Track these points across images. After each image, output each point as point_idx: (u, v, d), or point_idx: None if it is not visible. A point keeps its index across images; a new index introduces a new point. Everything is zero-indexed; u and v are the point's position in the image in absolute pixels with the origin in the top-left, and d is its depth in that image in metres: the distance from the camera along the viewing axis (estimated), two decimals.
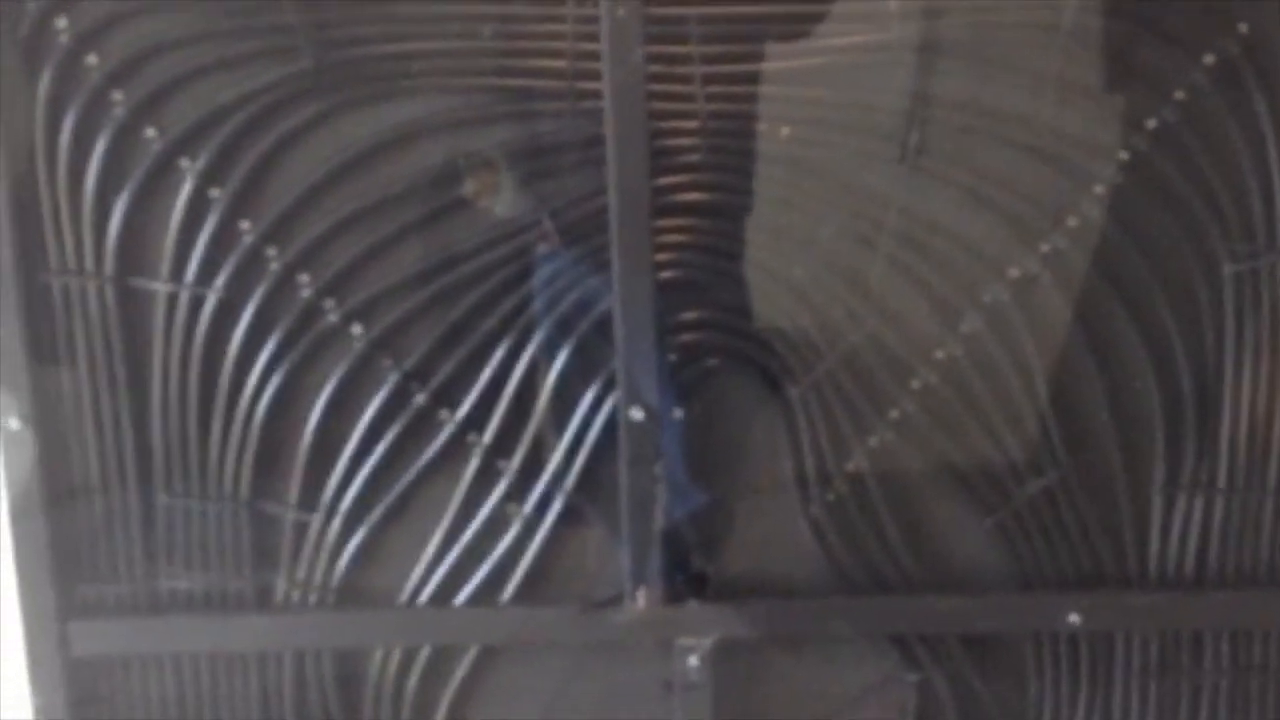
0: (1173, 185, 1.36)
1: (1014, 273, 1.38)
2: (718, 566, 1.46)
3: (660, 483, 1.42)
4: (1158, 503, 1.43)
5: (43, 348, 1.37)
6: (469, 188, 1.35)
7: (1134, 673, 1.46)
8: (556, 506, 1.44)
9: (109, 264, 1.36)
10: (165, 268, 1.36)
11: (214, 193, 1.34)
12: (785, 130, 1.34)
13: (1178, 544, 1.44)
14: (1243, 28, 1.31)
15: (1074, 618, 1.43)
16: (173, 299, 1.37)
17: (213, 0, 1.30)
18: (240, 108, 1.33)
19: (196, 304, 1.37)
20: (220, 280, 1.37)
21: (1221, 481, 1.42)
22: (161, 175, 1.35)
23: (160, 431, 1.40)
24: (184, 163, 1.34)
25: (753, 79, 1.33)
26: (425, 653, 1.46)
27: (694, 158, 1.35)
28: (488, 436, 1.42)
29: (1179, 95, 1.33)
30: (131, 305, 1.38)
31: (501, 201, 1.35)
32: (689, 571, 1.45)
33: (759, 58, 1.32)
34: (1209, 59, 1.32)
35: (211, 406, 1.40)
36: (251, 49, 1.32)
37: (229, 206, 1.35)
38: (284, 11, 1.29)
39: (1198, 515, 1.43)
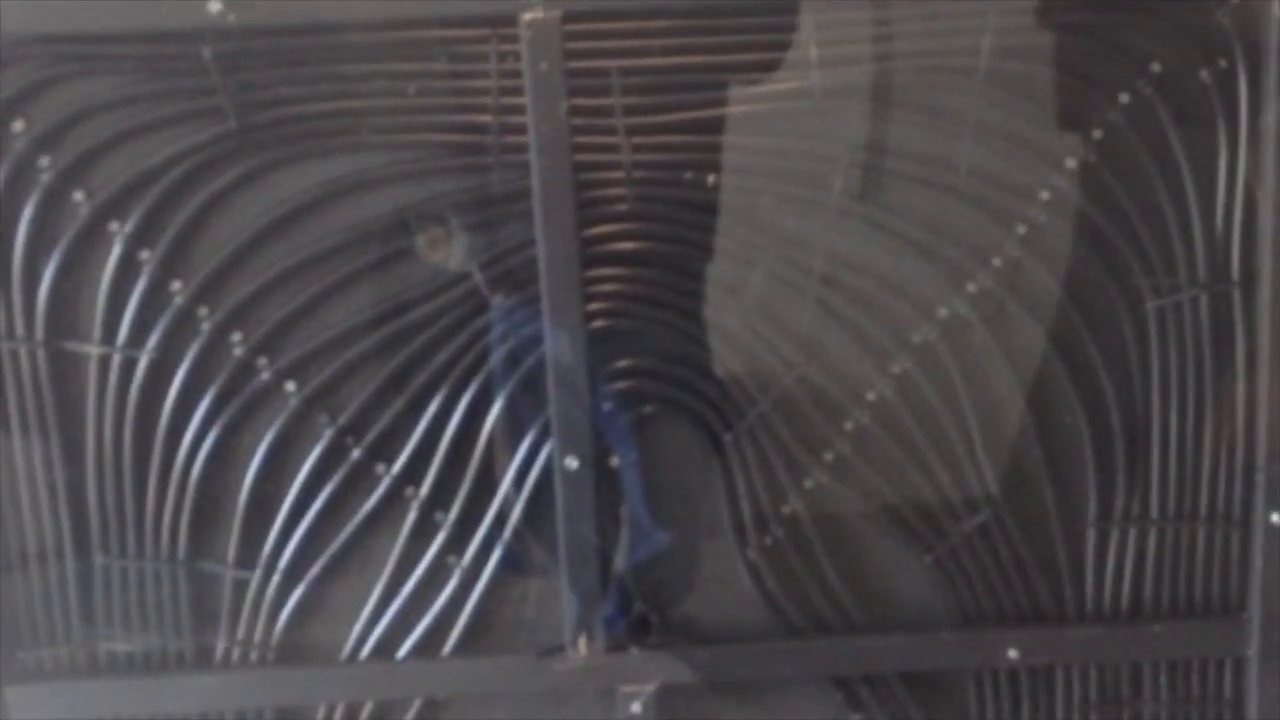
0: (1094, 222, 1.37)
1: (943, 313, 1.39)
2: (659, 613, 1.45)
3: (622, 526, 1.43)
4: (1092, 537, 1.45)
5: None
6: (419, 242, 1.35)
7: (1075, 706, 1.47)
8: (495, 557, 1.43)
9: (39, 328, 1.36)
10: (97, 330, 1.36)
11: (144, 254, 1.35)
12: (712, 178, 1.35)
13: (1113, 577, 1.45)
14: (1155, 67, 1.33)
15: (1013, 653, 1.44)
16: (105, 361, 1.37)
17: (136, 64, 1.29)
18: (167, 170, 1.33)
19: (129, 366, 1.37)
20: (152, 341, 1.37)
21: (1154, 513, 1.43)
22: (90, 238, 1.35)
23: (96, 493, 1.40)
24: (113, 225, 1.34)
25: (677, 129, 1.34)
26: (369, 707, 1.46)
27: (622, 207, 1.36)
28: (425, 489, 1.42)
29: (1096, 134, 1.35)
30: (63, 368, 1.37)
31: (452, 255, 1.36)
32: (630, 619, 1.45)
33: (682, 107, 1.33)
34: (1124, 98, 1.34)
35: (147, 467, 1.40)
36: (177, 111, 1.32)
37: (159, 268, 1.35)
38: (208, 74, 1.29)
39: (1131, 548, 1.45)
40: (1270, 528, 1.42)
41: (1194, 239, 1.37)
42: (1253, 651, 1.45)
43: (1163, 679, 1.46)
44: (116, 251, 1.35)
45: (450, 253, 1.37)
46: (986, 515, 1.44)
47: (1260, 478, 1.41)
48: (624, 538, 1.44)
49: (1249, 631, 1.44)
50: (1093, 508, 1.44)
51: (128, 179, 1.34)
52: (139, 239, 1.35)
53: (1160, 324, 1.39)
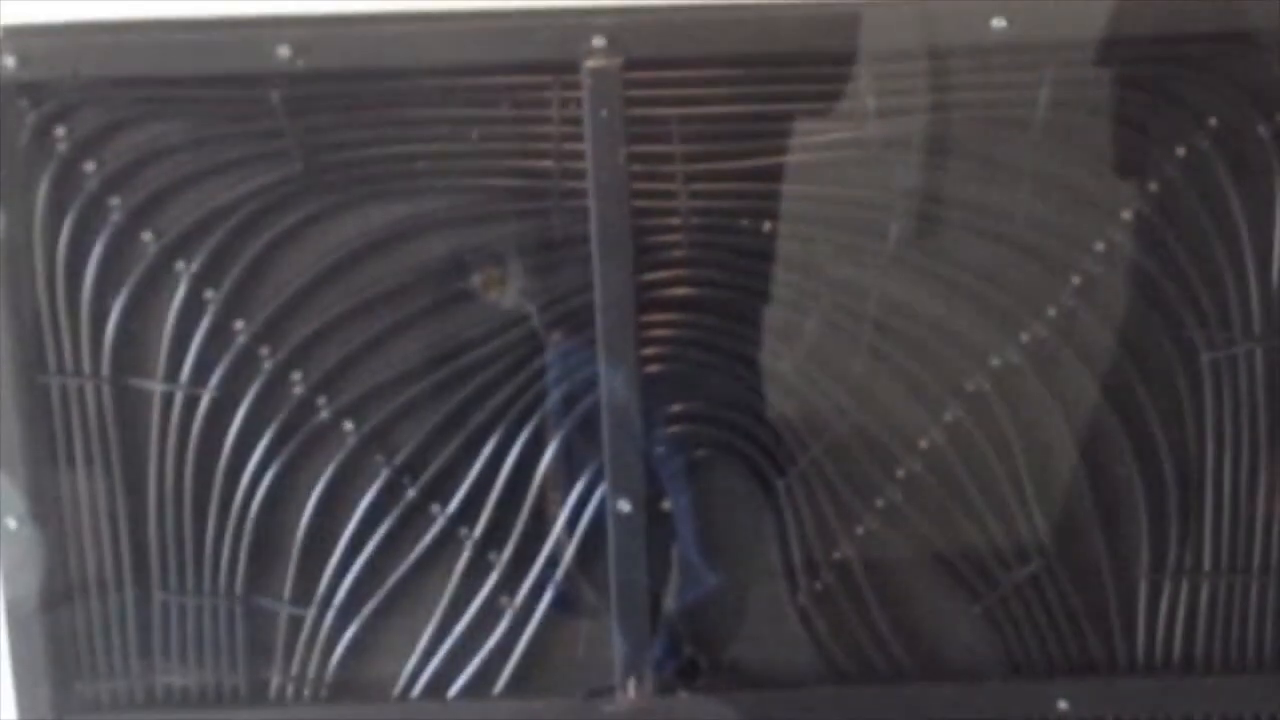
0: (1149, 274, 1.37)
1: (995, 362, 1.39)
2: (707, 656, 1.46)
3: (672, 569, 1.44)
4: (1144, 588, 1.44)
5: (40, 447, 1.39)
6: (477, 281, 1.37)
7: None
8: (547, 597, 1.44)
9: (106, 365, 1.38)
10: (161, 368, 1.38)
11: (208, 294, 1.37)
12: (767, 225, 1.36)
13: (1165, 629, 1.44)
14: (1212, 121, 1.34)
15: (1063, 705, 1.44)
16: (168, 398, 1.39)
17: (205, 107, 1.31)
18: (233, 211, 1.36)
19: (191, 403, 1.39)
20: (214, 379, 1.39)
21: (1206, 565, 1.42)
22: (157, 277, 1.37)
23: (156, 529, 1.41)
24: (179, 265, 1.36)
25: (734, 176, 1.36)
26: None
27: (678, 253, 1.37)
28: (478, 530, 1.43)
29: (1152, 187, 1.35)
30: (128, 405, 1.39)
31: (508, 294, 1.37)
32: (680, 662, 1.45)
33: (739, 155, 1.35)
34: (1180, 151, 1.35)
35: (206, 504, 1.41)
36: (244, 153, 1.35)
37: (223, 307, 1.37)
38: (275, 117, 1.31)
39: (1184, 600, 1.44)
40: None
41: (1249, 293, 1.37)
42: None
43: None
44: (182, 291, 1.37)
45: (505, 291, 1.38)
46: (1037, 565, 1.43)
47: None
48: (674, 580, 1.44)
49: None
50: (1145, 559, 1.43)
51: (195, 220, 1.36)
52: (204, 279, 1.37)
53: (1215, 377, 1.39)
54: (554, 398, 1.41)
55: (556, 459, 1.42)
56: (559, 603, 1.46)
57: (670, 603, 1.45)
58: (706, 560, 1.46)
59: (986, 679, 1.46)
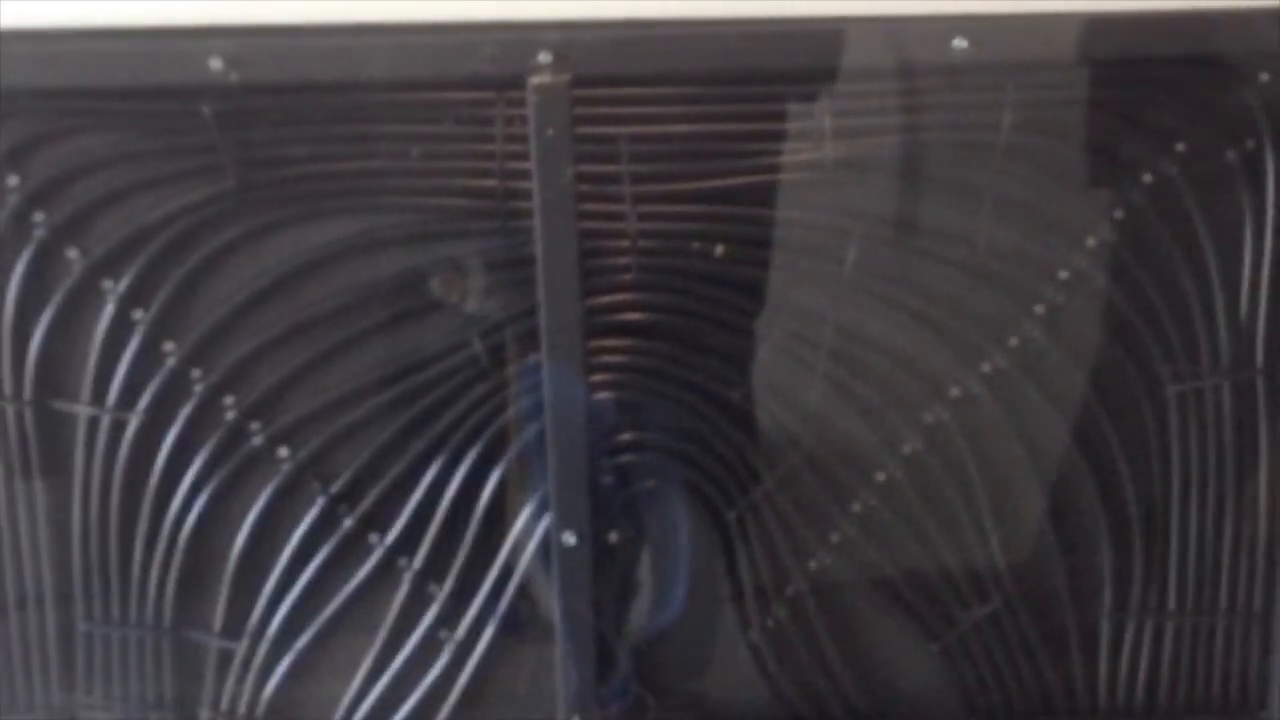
0: (1114, 304, 1.33)
1: (955, 392, 1.35)
2: (656, 694, 1.41)
3: (620, 603, 1.40)
4: (1106, 628, 1.40)
5: None
6: (434, 283, 1.32)
7: None
8: (489, 632, 1.39)
9: (28, 387, 1.33)
10: (86, 390, 1.33)
11: (137, 314, 1.32)
12: (719, 249, 1.32)
13: (1127, 671, 1.41)
14: (1180, 146, 1.30)
15: None
16: (94, 422, 1.34)
17: (134, 120, 1.26)
18: (164, 228, 1.31)
19: (118, 427, 1.34)
20: (143, 403, 1.34)
21: (1171, 606, 1.38)
22: (83, 296, 1.32)
23: (80, 557, 1.36)
24: (107, 284, 1.31)
25: (685, 198, 1.31)
26: None
27: (627, 277, 1.33)
28: (418, 561, 1.38)
29: (1118, 214, 1.31)
30: (51, 428, 1.34)
31: (468, 297, 1.32)
32: (627, 699, 1.41)
33: (691, 177, 1.30)
34: (1147, 178, 1.31)
35: (133, 531, 1.36)
36: (175, 169, 1.30)
37: (152, 328, 1.32)
38: (208, 131, 1.26)
39: (1147, 641, 1.40)
40: None
41: (1217, 324, 1.33)
42: None
43: None
44: (109, 310, 1.32)
45: (466, 294, 1.33)
46: (997, 603, 1.39)
47: None
48: (622, 615, 1.39)
49: None
50: (1108, 598, 1.40)
51: (123, 237, 1.31)
52: (133, 298, 1.32)
53: (1181, 410, 1.35)
54: (497, 426, 1.35)
55: (499, 490, 1.36)
56: (506, 627, 1.40)
57: (617, 638, 1.40)
58: (655, 595, 1.41)
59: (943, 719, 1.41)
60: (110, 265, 1.32)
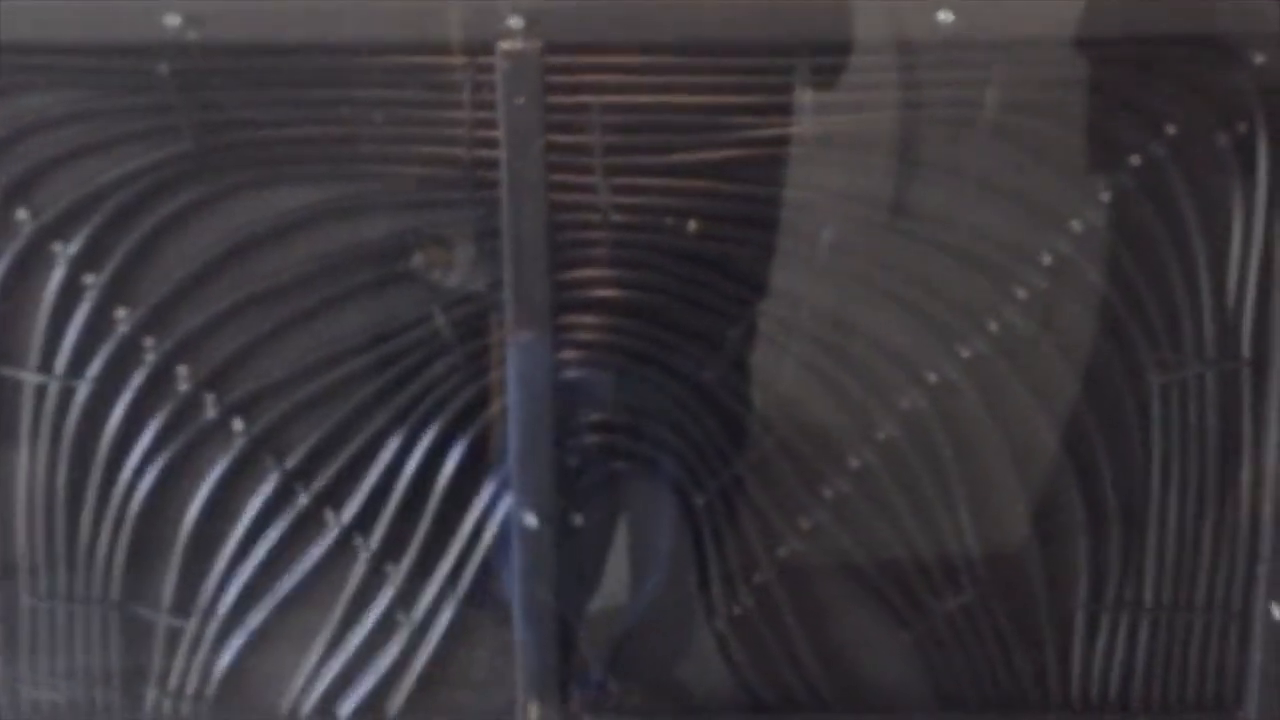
0: (1098, 290, 1.30)
1: (932, 378, 1.31)
2: (619, 681, 1.37)
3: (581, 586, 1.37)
4: (1081, 621, 1.37)
5: None
6: (417, 258, 1.28)
7: None
8: (447, 614, 1.35)
9: None
10: (34, 356, 1.29)
11: (88, 279, 1.28)
12: (693, 225, 1.28)
13: (1102, 665, 1.38)
14: (1170, 129, 1.26)
15: None
16: (42, 390, 1.30)
17: (88, 78, 1.22)
18: (117, 190, 1.27)
19: (67, 395, 1.30)
20: (93, 370, 1.30)
21: (1148, 600, 1.35)
22: (32, 259, 1.28)
23: (25, 530, 1.33)
24: (57, 247, 1.27)
25: (659, 171, 1.27)
26: None
27: (597, 252, 1.29)
28: (375, 540, 1.34)
29: (1104, 197, 1.28)
30: None
31: (454, 272, 1.28)
32: (588, 686, 1.37)
33: (665, 149, 1.26)
34: (1135, 160, 1.27)
35: (81, 504, 1.32)
36: (130, 130, 1.26)
37: (104, 293, 1.29)
38: (165, 91, 1.22)
39: (1123, 635, 1.37)
40: (1271, 622, 1.34)
41: (1203, 312, 1.30)
42: None
43: None
44: (59, 274, 1.28)
45: (431, 265, 1.28)
46: (970, 594, 1.36)
47: (1263, 569, 1.33)
48: (584, 599, 1.36)
49: None
50: (1084, 591, 1.36)
51: (75, 199, 1.27)
52: (84, 262, 1.28)
53: (1164, 401, 1.32)
54: (459, 402, 1.31)
55: (460, 469, 1.32)
56: (470, 610, 1.37)
57: (579, 623, 1.36)
58: (619, 580, 1.37)
59: (913, 712, 1.39)
60: (61, 227, 1.28)
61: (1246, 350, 1.31)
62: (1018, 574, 1.36)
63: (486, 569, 1.36)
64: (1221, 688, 1.37)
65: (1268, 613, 1.34)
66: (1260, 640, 1.35)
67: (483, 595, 1.37)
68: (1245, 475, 1.33)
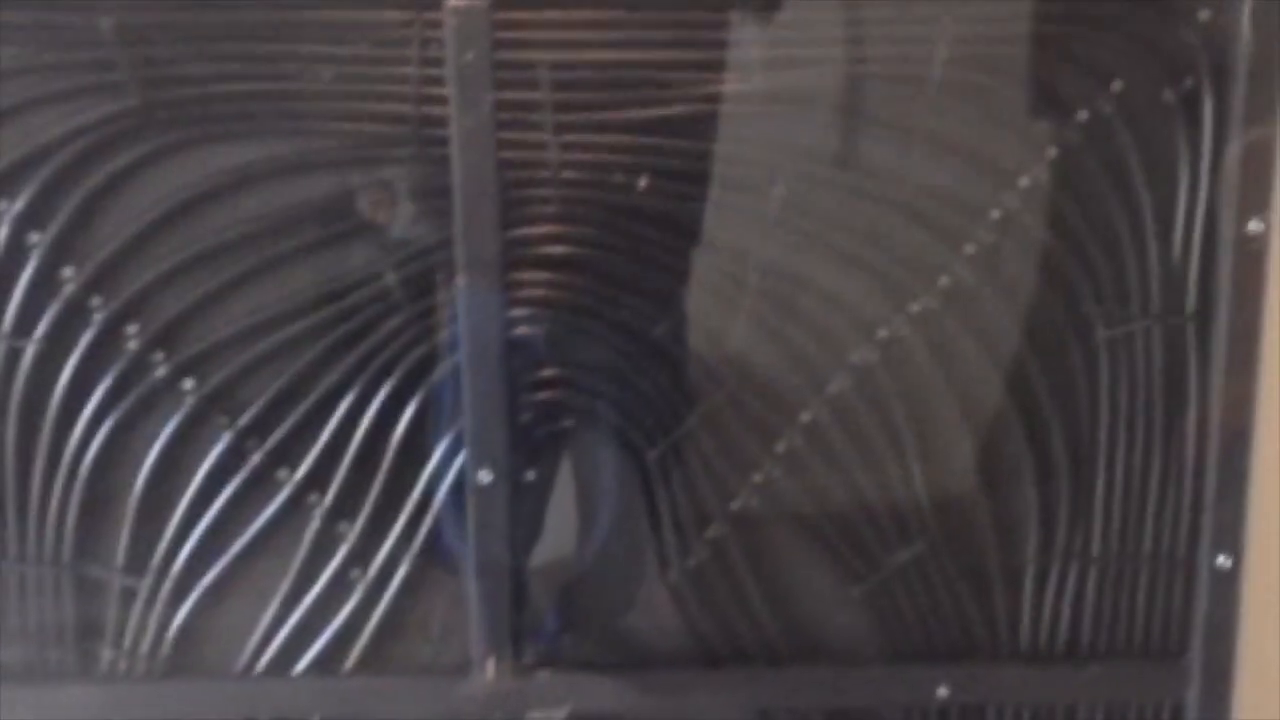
0: (1045, 245, 1.30)
1: (883, 333, 1.32)
2: (572, 635, 1.38)
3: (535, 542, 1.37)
4: (1030, 571, 1.38)
5: None
6: (362, 203, 1.27)
7: None
8: (402, 571, 1.35)
9: None
10: None
11: (33, 237, 1.27)
12: (643, 181, 1.27)
13: (1050, 614, 1.40)
14: (1117, 85, 1.26)
15: (943, 691, 1.38)
16: None
17: (30, 32, 1.21)
18: (62, 147, 1.25)
19: (14, 356, 1.29)
20: (40, 330, 1.29)
21: (1095, 550, 1.37)
22: None
23: None
24: (0, 205, 1.24)
25: (609, 128, 1.27)
26: None
27: (547, 209, 1.28)
28: (329, 498, 1.34)
29: (1051, 153, 1.28)
30: None
31: (396, 218, 1.27)
32: (543, 640, 1.38)
33: (615, 106, 1.26)
34: (1083, 115, 1.27)
35: (31, 463, 1.32)
36: (74, 85, 1.24)
37: (49, 252, 1.27)
38: (107, 46, 1.20)
39: (1071, 585, 1.39)
40: (1215, 570, 1.36)
41: (1149, 267, 1.31)
42: (1193, 696, 1.39)
43: None
44: (3, 233, 1.27)
45: (394, 216, 1.28)
46: (921, 546, 1.37)
47: (1207, 518, 1.35)
48: (538, 555, 1.37)
49: (1189, 676, 1.39)
50: (1033, 542, 1.38)
51: (18, 156, 1.26)
52: (28, 220, 1.27)
53: (1111, 354, 1.33)
54: (410, 360, 1.31)
55: (413, 425, 1.32)
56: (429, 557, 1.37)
57: (533, 578, 1.37)
58: (574, 535, 1.38)
59: (865, 663, 1.41)
60: (4, 185, 1.26)
61: (1192, 304, 1.32)
62: (967, 525, 1.38)
63: (439, 525, 1.35)
64: (1168, 635, 1.40)
65: (1212, 561, 1.35)
66: (1205, 588, 1.37)
67: (435, 551, 1.36)
68: (1190, 427, 1.34)
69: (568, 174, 1.27)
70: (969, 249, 1.31)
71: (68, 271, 1.28)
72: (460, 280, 1.27)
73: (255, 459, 1.33)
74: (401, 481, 1.35)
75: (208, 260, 1.29)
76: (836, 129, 1.28)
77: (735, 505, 1.37)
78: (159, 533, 1.35)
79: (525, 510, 1.35)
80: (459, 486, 1.34)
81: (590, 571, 1.40)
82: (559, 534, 1.40)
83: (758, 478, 1.36)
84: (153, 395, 1.32)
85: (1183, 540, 1.37)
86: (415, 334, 1.32)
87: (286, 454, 1.34)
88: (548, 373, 1.34)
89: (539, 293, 1.31)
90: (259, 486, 1.35)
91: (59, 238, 1.27)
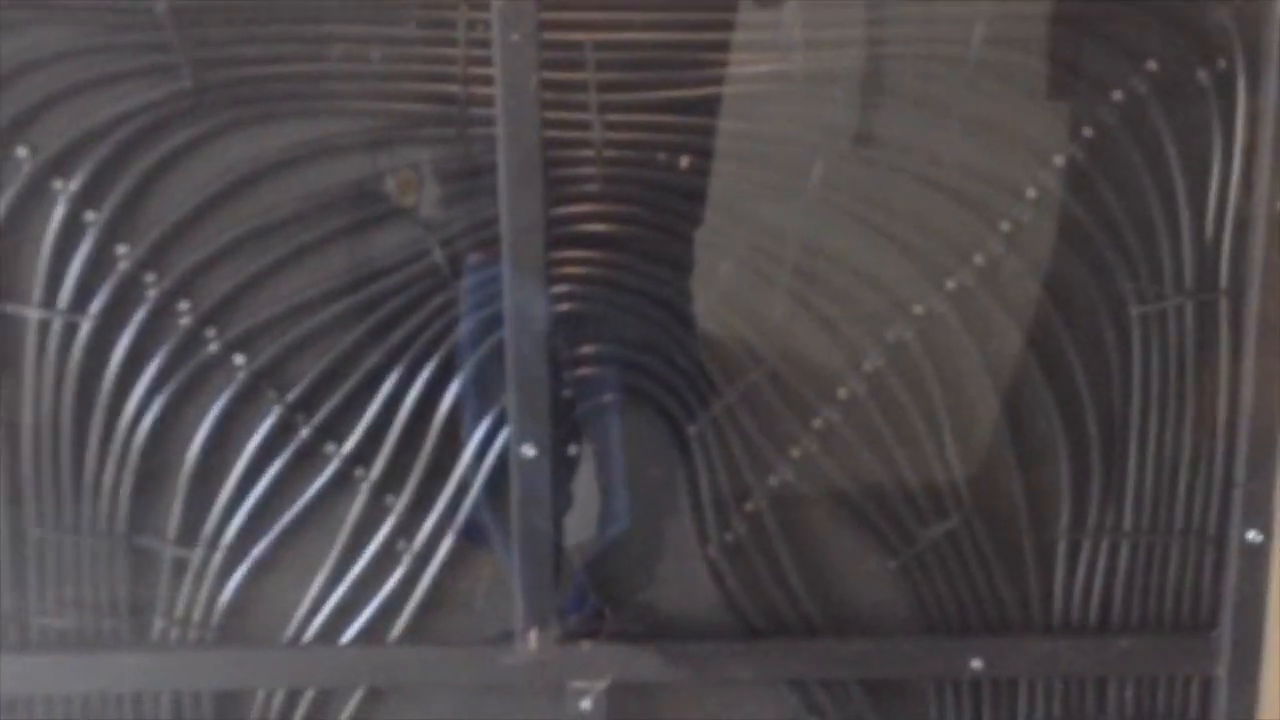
0: (1080, 223, 1.33)
1: (919, 310, 1.34)
2: (614, 607, 1.41)
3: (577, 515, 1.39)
4: (1062, 547, 1.40)
5: None
6: (389, 184, 1.30)
7: None
8: (447, 544, 1.38)
9: None
10: (37, 293, 1.31)
11: (89, 215, 1.29)
12: (685, 161, 1.30)
13: (1082, 589, 1.41)
14: (1151, 65, 1.28)
15: (977, 663, 1.40)
16: (45, 326, 1.31)
17: (88, 14, 1.23)
18: (117, 127, 1.28)
19: (70, 331, 1.31)
20: (96, 307, 1.31)
21: (1127, 525, 1.39)
22: (33, 196, 1.29)
23: (32, 463, 1.34)
24: (57, 184, 1.28)
25: (651, 108, 1.29)
26: (309, 694, 1.41)
27: (590, 188, 1.31)
28: (376, 471, 1.36)
29: (1087, 132, 1.30)
30: (2, 331, 1.31)
31: (423, 200, 1.30)
32: (585, 612, 1.40)
33: (658, 86, 1.28)
34: (1118, 96, 1.29)
35: (86, 437, 1.34)
36: (130, 67, 1.27)
37: (105, 230, 1.30)
38: (162, 28, 1.23)
39: (1103, 560, 1.40)
40: (1245, 545, 1.37)
41: (1182, 245, 1.33)
42: (1222, 671, 1.41)
43: (1129, 695, 1.42)
44: (60, 211, 1.30)
45: (421, 198, 1.30)
46: (955, 520, 1.38)
47: (1238, 493, 1.37)
48: (580, 528, 1.39)
49: (1219, 650, 1.40)
50: (1065, 518, 1.40)
51: (75, 135, 1.28)
52: (84, 199, 1.30)
53: (1144, 331, 1.35)
54: (457, 336, 1.34)
55: (459, 400, 1.35)
56: (467, 534, 1.39)
57: (575, 551, 1.39)
58: (615, 508, 1.40)
59: (899, 636, 1.43)
60: (61, 164, 1.29)
61: (1224, 281, 1.33)
62: (1001, 500, 1.39)
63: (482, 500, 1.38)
64: (1198, 609, 1.41)
65: (1242, 536, 1.37)
66: (1235, 563, 1.39)
67: (475, 527, 1.39)
68: (1221, 403, 1.36)
69: (611, 153, 1.29)
70: (1004, 227, 1.33)
71: (122, 249, 1.30)
72: (504, 258, 1.29)
73: (304, 433, 1.36)
74: (447, 454, 1.36)
75: (258, 238, 1.31)
76: (875, 108, 1.30)
77: (773, 480, 1.39)
78: (210, 505, 1.37)
79: (568, 485, 1.37)
80: (498, 462, 1.35)
81: (633, 545, 1.41)
82: (599, 508, 1.42)
83: (795, 453, 1.38)
84: (204, 371, 1.34)
85: (1213, 515, 1.39)
86: (460, 311, 1.33)
87: (334, 428, 1.36)
88: (590, 349, 1.35)
89: (581, 270, 1.33)
90: (307, 460, 1.37)
91: (114, 216, 1.30)
